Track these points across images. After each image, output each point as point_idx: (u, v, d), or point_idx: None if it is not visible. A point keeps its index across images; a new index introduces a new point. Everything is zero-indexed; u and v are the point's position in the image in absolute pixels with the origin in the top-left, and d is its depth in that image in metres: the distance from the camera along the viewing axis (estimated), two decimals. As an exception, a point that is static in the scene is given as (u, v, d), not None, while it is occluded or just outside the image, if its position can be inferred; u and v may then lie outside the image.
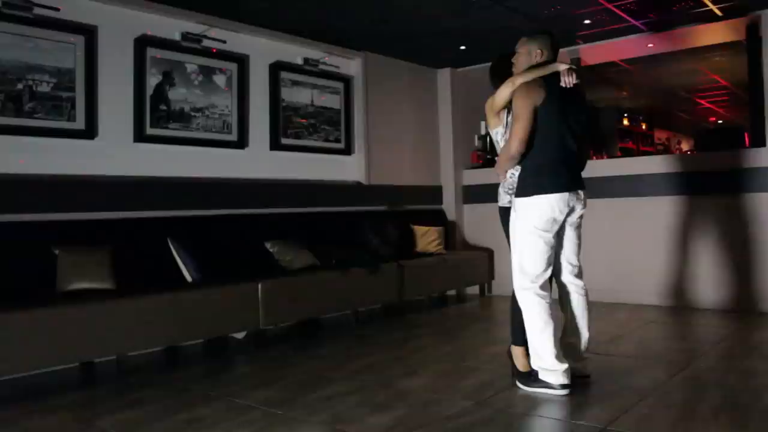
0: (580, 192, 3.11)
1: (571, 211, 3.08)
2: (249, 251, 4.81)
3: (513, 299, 3.29)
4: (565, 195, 3.02)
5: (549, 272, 3.06)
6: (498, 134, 3.32)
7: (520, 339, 3.24)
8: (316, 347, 4.43)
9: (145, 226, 4.38)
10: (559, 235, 3.13)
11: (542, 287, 3.04)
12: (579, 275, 3.25)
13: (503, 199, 3.33)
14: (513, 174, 3.20)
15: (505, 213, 3.31)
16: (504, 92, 3.12)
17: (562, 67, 3.05)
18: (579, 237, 3.21)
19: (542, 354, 3.00)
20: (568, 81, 3.00)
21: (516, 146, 3.02)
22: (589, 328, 3.26)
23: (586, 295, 3.27)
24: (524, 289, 3.06)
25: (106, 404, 3.14)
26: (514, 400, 2.97)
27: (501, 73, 3.23)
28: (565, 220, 3.09)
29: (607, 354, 3.82)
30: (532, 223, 3.01)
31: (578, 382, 3.10)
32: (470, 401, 2.96)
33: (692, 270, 5.37)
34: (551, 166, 3.02)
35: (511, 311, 3.30)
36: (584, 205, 3.14)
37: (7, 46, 3.92)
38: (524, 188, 3.06)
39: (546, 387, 3.00)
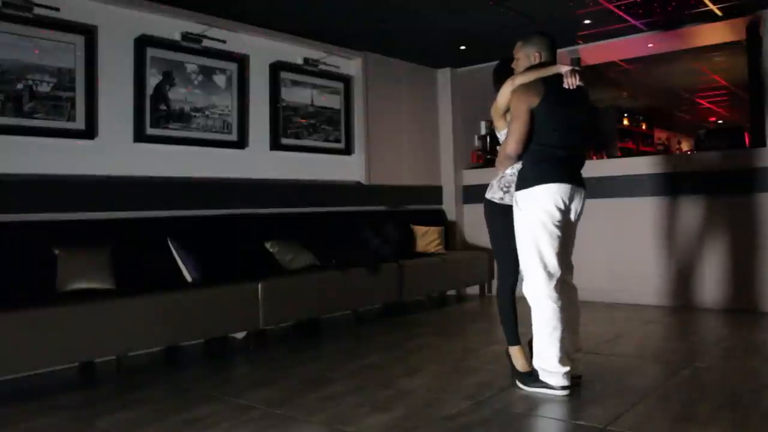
0: (581, 190, 3.10)
1: (572, 206, 3.06)
2: (249, 251, 4.81)
3: (499, 300, 3.29)
4: (567, 186, 2.99)
5: (560, 271, 3.00)
6: (504, 136, 3.30)
7: (515, 339, 3.24)
8: (316, 347, 4.43)
9: (145, 226, 4.38)
10: None
11: (555, 289, 2.98)
12: (569, 274, 3.24)
13: (495, 194, 3.28)
14: (514, 173, 3.20)
15: (491, 207, 3.29)
16: (505, 92, 3.12)
17: (564, 68, 3.05)
18: (574, 236, 3.21)
19: (546, 356, 2.99)
20: (571, 82, 3.00)
21: (512, 146, 3.01)
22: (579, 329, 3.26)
23: (577, 294, 3.26)
24: (536, 291, 3.00)
25: (106, 404, 3.14)
26: (514, 400, 2.97)
27: (504, 77, 3.22)
28: (567, 217, 3.07)
29: (607, 354, 3.81)
30: (536, 216, 2.98)
31: (576, 383, 3.10)
32: (470, 401, 2.96)
33: (692, 270, 5.37)
34: (552, 161, 3.00)
35: (500, 313, 3.29)
36: (583, 205, 3.13)
37: (7, 46, 3.92)
38: (524, 180, 3.04)
39: (546, 387, 3.00)
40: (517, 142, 3.00)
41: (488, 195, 3.31)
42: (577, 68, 3.09)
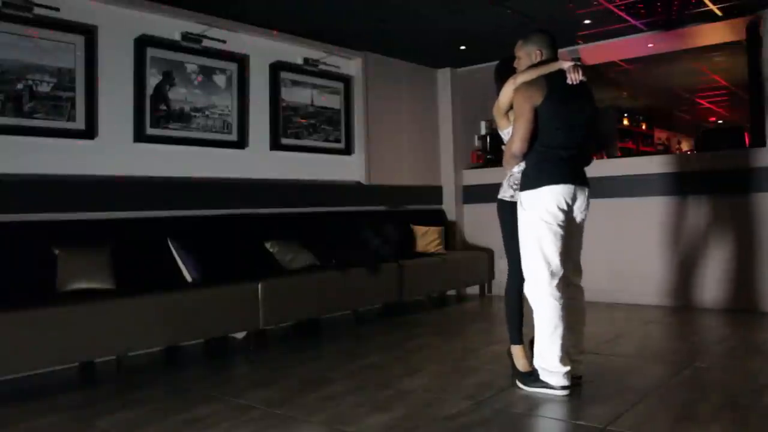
0: (585, 189, 3.10)
1: (575, 205, 3.05)
2: (249, 251, 4.81)
3: (507, 298, 3.29)
4: (570, 187, 2.99)
5: (562, 271, 2.99)
6: (508, 135, 3.30)
7: (518, 338, 3.24)
8: (316, 347, 4.43)
9: (145, 226, 4.38)
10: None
11: (557, 287, 2.98)
12: (578, 275, 3.23)
13: (506, 193, 3.28)
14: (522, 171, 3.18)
15: (503, 206, 3.29)
16: (507, 91, 3.11)
17: (567, 64, 3.04)
18: (581, 236, 3.20)
19: (547, 356, 2.98)
20: (574, 78, 2.99)
21: (517, 145, 3.01)
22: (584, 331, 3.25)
23: (584, 296, 3.25)
24: (537, 290, 3.00)
25: (106, 404, 3.14)
26: (514, 400, 2.97)
27: (505, 76, 3.21)
28: (570, 217, 3.07)
29: (607, 354, 3.81)
30: (539, 215, 2.97)
31: (577, 383, 3.10)
32: (470, 401, 2.95)
33: (692, 270, 5.37)
34: (555, 161, 3.00)
35: (506, 311, 3.29)
36: (588, 204, 3.12)
37: (7, 46, 3.92)
38: (528, 181, 3.03)
39: (546, 387, 3.00)
40: (522, 141, 3.00)
41: (500, 195, 3.32)
42: (579, 63, 3.08)
